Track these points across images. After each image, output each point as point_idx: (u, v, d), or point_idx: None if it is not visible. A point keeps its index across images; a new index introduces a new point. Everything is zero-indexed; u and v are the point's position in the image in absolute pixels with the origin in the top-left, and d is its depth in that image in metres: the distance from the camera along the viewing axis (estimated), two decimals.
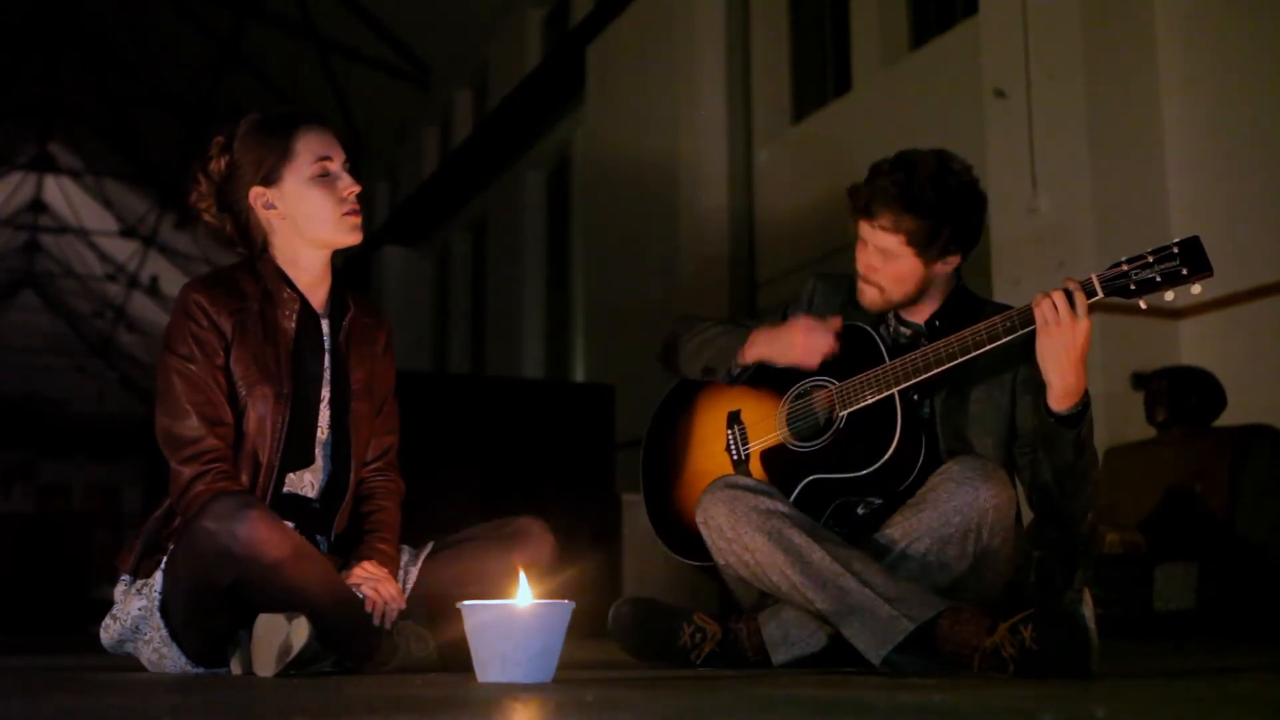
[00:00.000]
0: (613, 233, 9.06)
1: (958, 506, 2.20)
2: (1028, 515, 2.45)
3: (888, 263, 2.39)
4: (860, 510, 2.38)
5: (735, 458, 2.51)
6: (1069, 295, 2.20)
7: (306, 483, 2.34)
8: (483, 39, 12.49)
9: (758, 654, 2.34)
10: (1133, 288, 2.20)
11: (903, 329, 2.47)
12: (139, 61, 14.73)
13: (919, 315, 2.47)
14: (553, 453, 6.14)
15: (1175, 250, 2.17)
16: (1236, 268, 4.77)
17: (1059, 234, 5.27)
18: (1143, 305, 2.22)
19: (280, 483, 2.30)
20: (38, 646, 4.22)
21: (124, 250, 20.16)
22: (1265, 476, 4.14)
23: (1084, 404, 2.25)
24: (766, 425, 2.50)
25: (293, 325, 2.33)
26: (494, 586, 2.18)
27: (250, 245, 2.38)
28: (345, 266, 12.67)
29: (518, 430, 6.13)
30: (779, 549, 2.21)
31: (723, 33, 8.29)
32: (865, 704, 1.43)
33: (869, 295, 2.45)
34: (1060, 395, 2.23)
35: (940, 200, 2.34)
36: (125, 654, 2.30)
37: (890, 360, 2.37)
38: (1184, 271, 2.16)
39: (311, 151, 2.33)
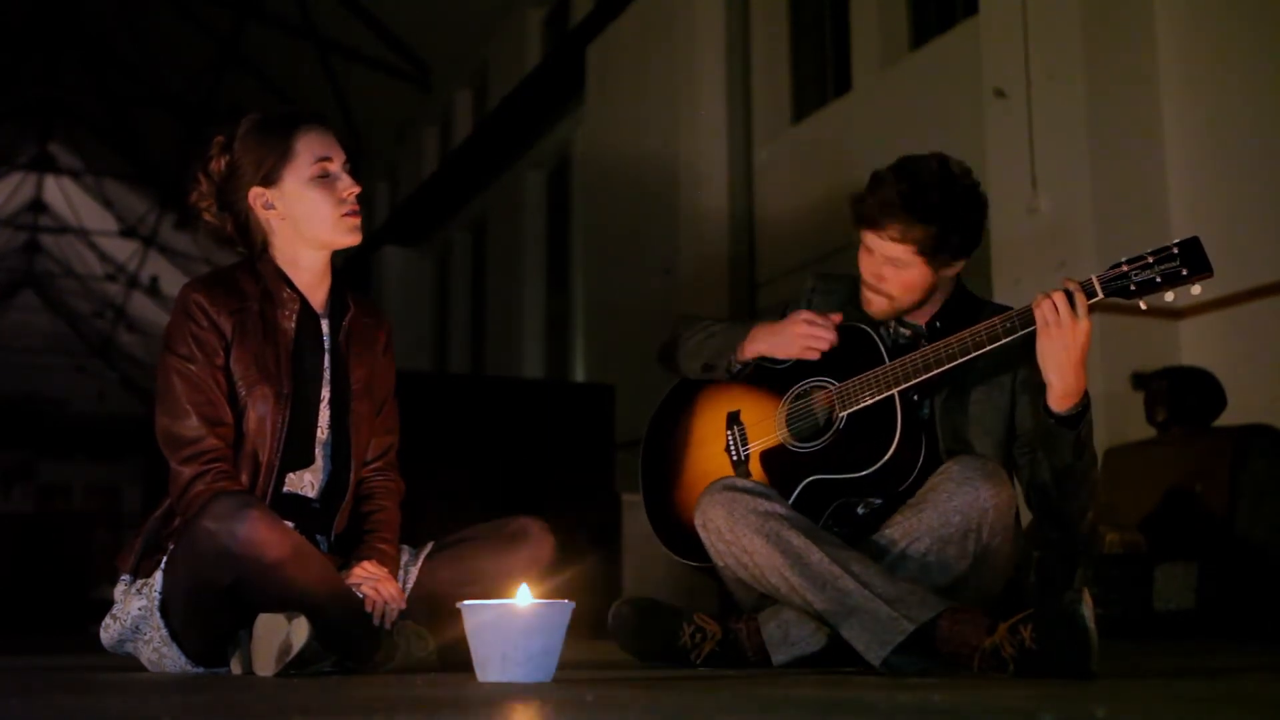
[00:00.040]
0: (613, 233, 9.06)
1: (958, 506, 2.20)
2: (1027, 515, 2.46)
3: (898, 272, 2.37)
4: (860, 510, 2.38)
5: (735, 458, 2.51)
6: (1069, 296, 2.20)
7: (306, 483, 2.34)
8: (483, 39, 12.50)
9: (758, 654, 2.34)
10: (1133, 288, 2.20)
11: (903, 330, 2.47)
12: (139, 61, 14.71)
13: (919, 316, 2.47)
14: (553, 453, 6.15)
15: (1175, 251, 2.17)
16: (1236, 268, 4.77)
17: (1059, 234, 5.27)
18: (1143, 306, 2.22)
19: (280, 483, 2.30)
20: (38, 646, 4.22)
21: (124, 250, 20.15)
22: (1265, 476, 4.14)
23: (1084, 405, 2.25)
24: (766, 426, 2.49)
25: (293, 325, 2.33)
26: (494, 586, 2.19)
27: (250, 245, 2.38)
28: (345, 266, 12.68)
29: (518, 430, 6.14)
30: (778, 551, 2.21)
31: (723, 33, 8.29)
32: (865, 704, 1.43)
33: (878, 304, 2.43)
34: (1060, 396, 2.23)
35: (948, 206, 2.33)
36: (125, 654, 2.30)
37: (890, 361, 2.37)
38: (1184, 272, 2.16)
39: (311, 152, 2.33)
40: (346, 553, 2.33)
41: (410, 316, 13.69)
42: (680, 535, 2.50)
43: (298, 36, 12.66)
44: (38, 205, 20.62)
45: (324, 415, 2.36)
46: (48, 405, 21.74)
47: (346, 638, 2.12)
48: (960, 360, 2.29)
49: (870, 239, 2.39)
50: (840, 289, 2.59)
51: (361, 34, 12.28)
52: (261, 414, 2.26)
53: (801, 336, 2.42)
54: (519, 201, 11.95)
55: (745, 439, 2.51)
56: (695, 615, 2.40)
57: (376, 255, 14.27)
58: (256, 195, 2.33)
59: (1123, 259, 2.21)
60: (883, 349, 2.40)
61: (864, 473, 2.32)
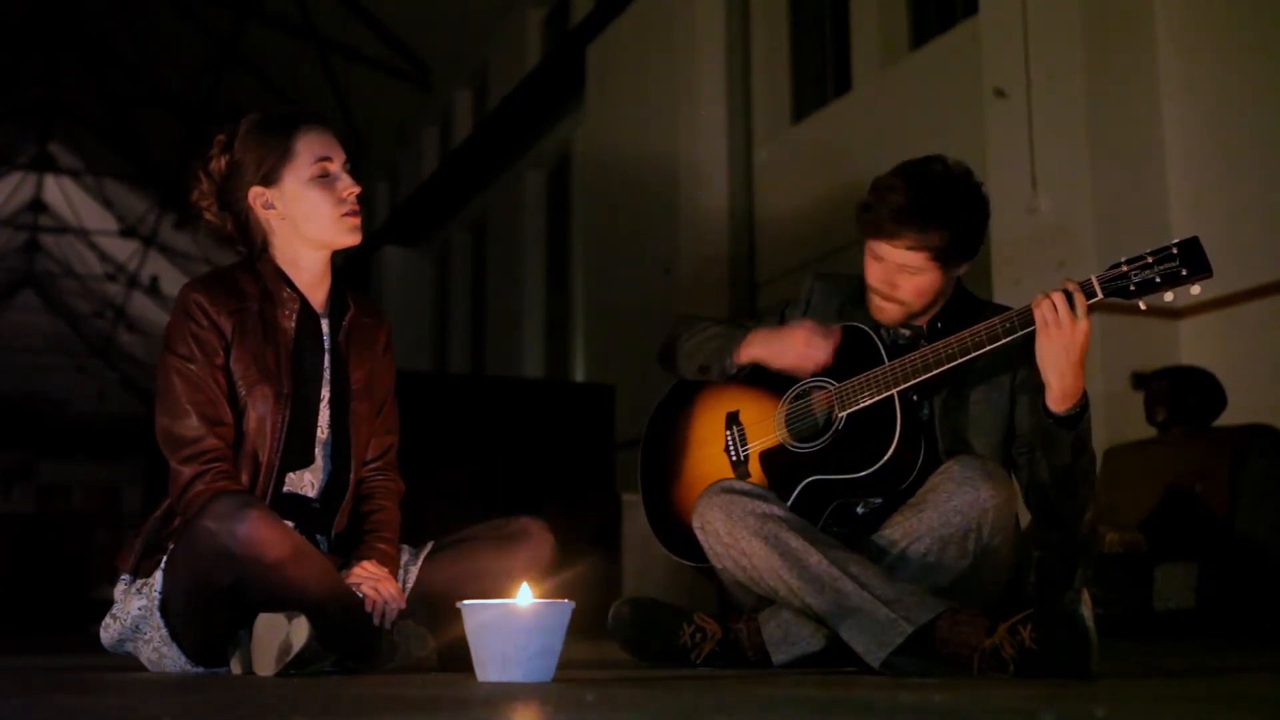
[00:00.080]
0: (613, 233, 9.07)
1: (958, 506, 2.20)
2: (1027, 515, 2.45)
3: (911, 278, 2.36)
4: (860, 510, 2.38)
5: (734, 458, 2.51)
6: (1069, 296, 2.19)
7: (306, 482, 2.34)
8: (483, 39, 12.50)
9: (758, 654, 2.34)
10: (1132, 289, 2.20)
11: (902, 330, 2.47)
12: (139, 61, 14.72)
13: (920, 317, 2.47)
14: (553, 453, 6.16)
15: (1174, 251, 2.17)
16: (1236, 268, 4.77)
17: (1059, 234, 5.28)
18: (1142, 306, 2.22)
19: (280, 482, 2.30)
20: (38, 646, 4.22)
21: (124, 250, 20.15)
22: (1265, 476, 4.14)
23: (1083, 405, 2.25)
24: (765, 426, 2.49)
25: (292, 325, 2.33)
26: (494, 586, 2.18)
27: (250, 245, 2.38)
28: (345, 266, 12.67)
29: (518, 430, 6.15)
30: (776, 553, 2.21)
31: (723, 33, 8.29)
32: (865, 704, 1.43)
33: (891, 311, 2.41)
34: (1059, 396, 2.23)
35: (959, 210, 2.33)
36: (125, 654, 2.30)
37: (889, 361, 2.37)
38: (1183, 272, 2.16)
39: (311, 152, 2.34)
40: (346, 552, 2.33)
41: (410, 316, 13.70)
42: (679, 535, 2.50)
43: (298, 36, 12.66)
44: (38, 205, 20.63)
45: (324, 415, 2.36)
46: (48, 405, 21.74)
47: (346, 637, 2.12)
48: (960, 360, 2.29)
49: (881, 248, 2.36)
50: (840, 289, 2.59)
51: (361, 34, 12.29)
52: (261, 414, 2.26)
53: (797, 352, 2.42)
54: (519, 201, 11.95)
55: (744, 439, 2.51)
56: (695, 615, 2.40)
57: (376, 255, 14.27)
58: (257, 195, 2.34)
59: (1122, 259, 2.21)
60: (882, 349, 2.40)
61: (863, 473, 2.32)
